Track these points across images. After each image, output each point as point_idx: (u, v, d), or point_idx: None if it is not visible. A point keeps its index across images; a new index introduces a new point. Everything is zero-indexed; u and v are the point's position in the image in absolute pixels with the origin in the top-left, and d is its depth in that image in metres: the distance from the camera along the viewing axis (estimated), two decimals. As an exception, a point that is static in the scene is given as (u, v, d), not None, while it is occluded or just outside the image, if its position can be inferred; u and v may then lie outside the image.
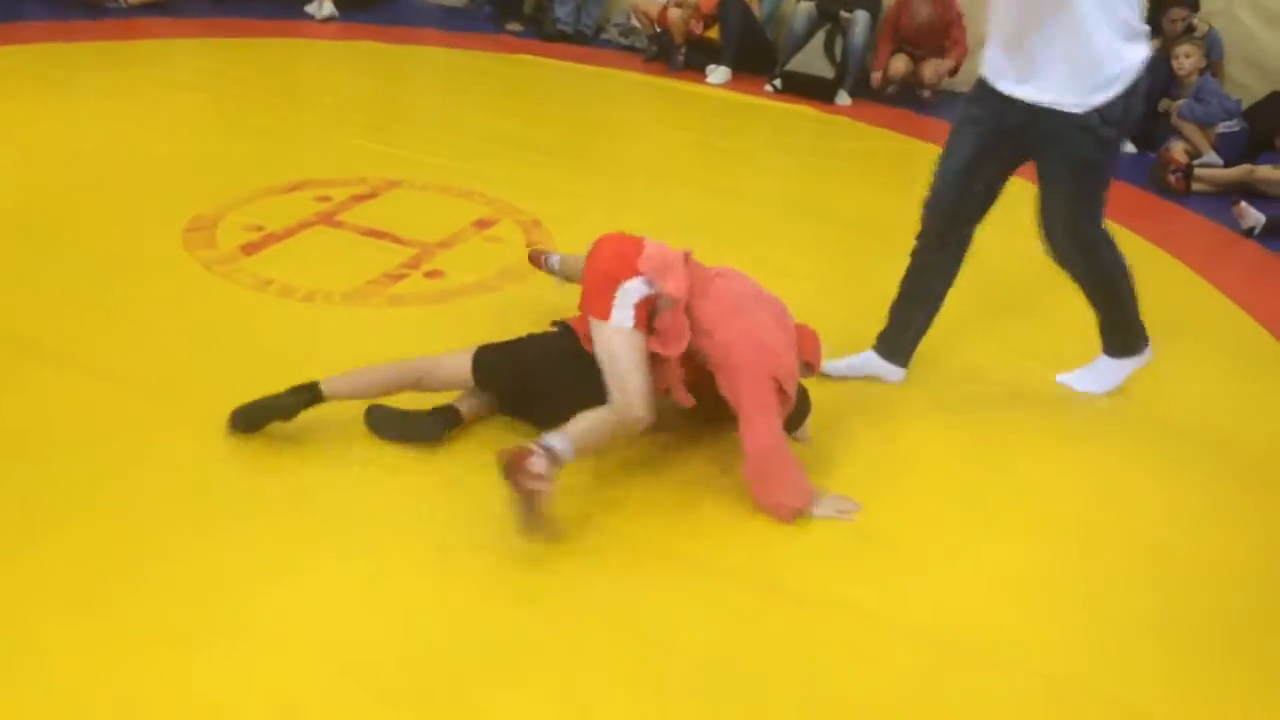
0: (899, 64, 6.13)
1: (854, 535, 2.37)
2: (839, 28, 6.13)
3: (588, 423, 2.30)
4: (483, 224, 3.83)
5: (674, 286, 2.40)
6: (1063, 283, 3.00)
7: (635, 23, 6.85)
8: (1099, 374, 3.08)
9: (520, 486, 2.15)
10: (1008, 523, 2.48)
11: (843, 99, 6.06)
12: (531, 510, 2.18)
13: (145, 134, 4.40)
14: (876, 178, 5.04)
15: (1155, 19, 5.75)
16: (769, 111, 5.85)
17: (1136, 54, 2.56)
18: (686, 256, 2.49)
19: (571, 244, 3.68)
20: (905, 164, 5.24)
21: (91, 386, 2.61)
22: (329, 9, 6.89)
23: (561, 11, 6.92)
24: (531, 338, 2.64)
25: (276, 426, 2.45)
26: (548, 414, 2.37)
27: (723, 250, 3.77)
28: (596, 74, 6.23)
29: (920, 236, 2.92)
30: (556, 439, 2.23)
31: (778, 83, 6.16)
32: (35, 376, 2.63)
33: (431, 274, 3.40)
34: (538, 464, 2.16)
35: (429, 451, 2.48)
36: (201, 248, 3.40)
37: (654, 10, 6.53)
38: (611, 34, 7.04)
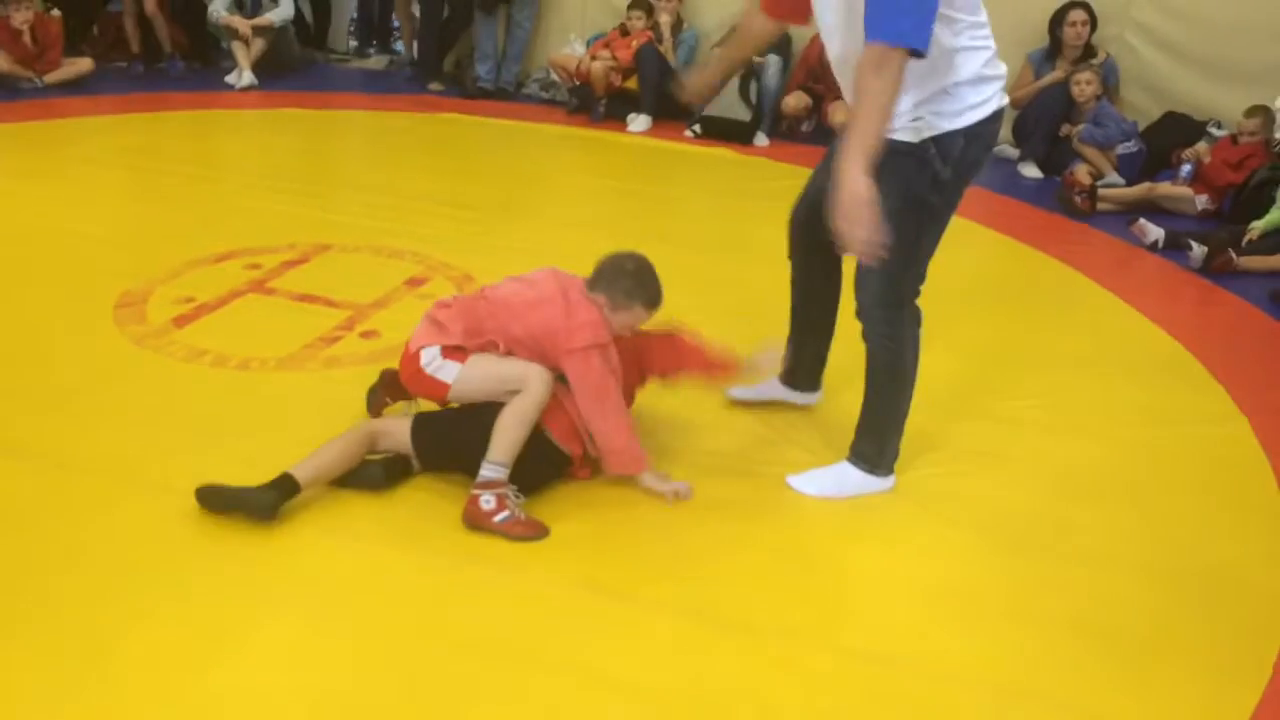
0: (796, 100, 6.33)
1: (790, 559, 2.44)
2: (753, 72, 6.32)
3: (504, 432, 2.49)
4: (415, 282, 3.87)
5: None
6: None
7: (555, 77, 6.98)
8: (831, 475, 2.75)
9: (492, 528, 2.42)
10: (940, 538, 2.57)
11: (760, 140, 6.23)
12: (518, 535, 2.42)
13: (68, 212, 4.38)
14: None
15: (1055, 36, 6.05)
16: (690, 156, 5.99)
17: (979, 96, 2.43)
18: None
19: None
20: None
21: (23, 468, 2.59)
22: (249, 78, 6.91)
23: (481, 69, 7.03)
24: (462, 410, 2.66)
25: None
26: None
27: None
28: (520, 128, 6.33)
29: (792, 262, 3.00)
30: (488, 469, 2.46)
31: (697, 128, 6.31)
32: (-32, 462, 2.61)
33: (366, 334, 3.44)
34: (488, 502, 2.43)
35: (380, 512, 2.50)
36: (132, 323, 3.39)
37: (572, 64, 6.67)
38: (532, 89, 7.16)
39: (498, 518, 2.42)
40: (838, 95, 6.22)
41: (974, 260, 4.55)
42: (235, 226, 4.30)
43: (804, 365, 3.05)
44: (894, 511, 2.66)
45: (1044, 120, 5.95)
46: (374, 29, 8.19)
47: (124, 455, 2.67)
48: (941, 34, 2.29)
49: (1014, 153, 6.18)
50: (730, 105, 6.29)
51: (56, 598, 2.17)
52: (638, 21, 6.61)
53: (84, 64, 6.70)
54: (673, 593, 2.32)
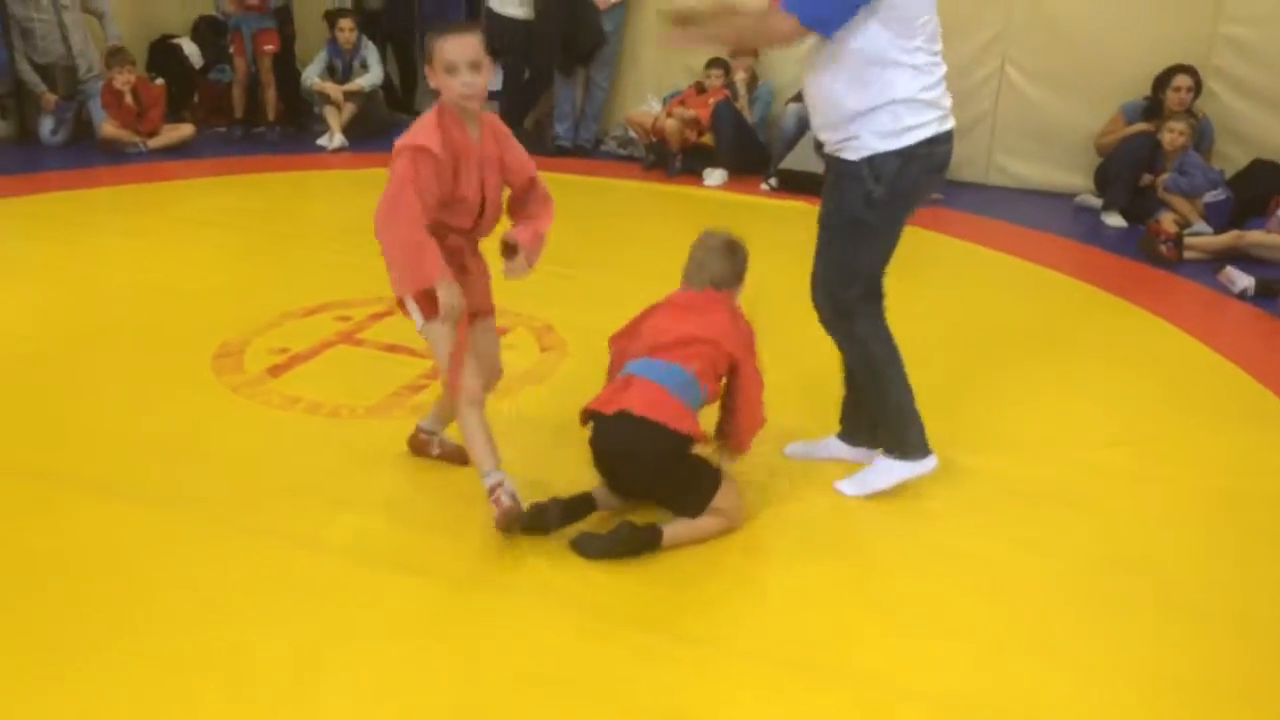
0: None
1: (865, 605, 2.43)
2: (828, 126, 6.37)
3: (471, 444, 2.65)
4: (498, 333, 3.95)
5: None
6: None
7: (632, 134, 7.13)
8: (868, 474, 2.90)
9: (513, 523, 2.55)
10: (1026, 586, 2.53)
11: (837, 193, 6.27)
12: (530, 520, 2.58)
13: (169, 269, 4.59)
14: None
15: (1157, 97, 5.98)
16: (766, 209, 6.05)
17: (917, 119, 2.59)
18: None
19: (583, 345, 3.83)
20: (900, 251, 5.39)
21: (128, 510, 2.71)
22: (339, 140, 7.20)
23: (560, 128, 7.21)
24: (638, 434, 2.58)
25: (334, 530, 2.58)
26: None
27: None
28: (598, 184, 6.47)
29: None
30: (487, 479, 2.60)
31: (773, 181, 6.38)
32: (73, 506, 2.73)
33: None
34: (504, 499, 2.55)
35: (454, 550, 2.56)
36: (230, 373, 3.54)
37: (648, 121, 6.81)
38: (610, 145, 7.32)
39: (510, 520, 2.53)
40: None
41: (1057, 309, 4.51)
42: (326, 280, 4.47)
43: (860, 421, 3.03)
44: (978, 557, 2.63)
45: (1128, 169, 5.89)
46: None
47: (221, 499, 2.78)
48: (882, 40, 2.53)
49: (1096, 201, 6.11)
50: (807, 159, 6.34)
51: (158, 631, 2.26)
52: (716, 80, 6.73)
53: (186, 129, 7.05)
54: (738, 632, 2.32)
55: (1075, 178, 6.42)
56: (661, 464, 2.60)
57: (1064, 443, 3.26)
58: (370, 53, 7.51)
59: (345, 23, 7.38)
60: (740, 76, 6.70)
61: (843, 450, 3.08)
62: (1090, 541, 2.74)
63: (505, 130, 2.80)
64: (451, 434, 2.98)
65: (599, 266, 4.86)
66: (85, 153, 6.66)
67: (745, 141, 6.62)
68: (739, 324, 2.82)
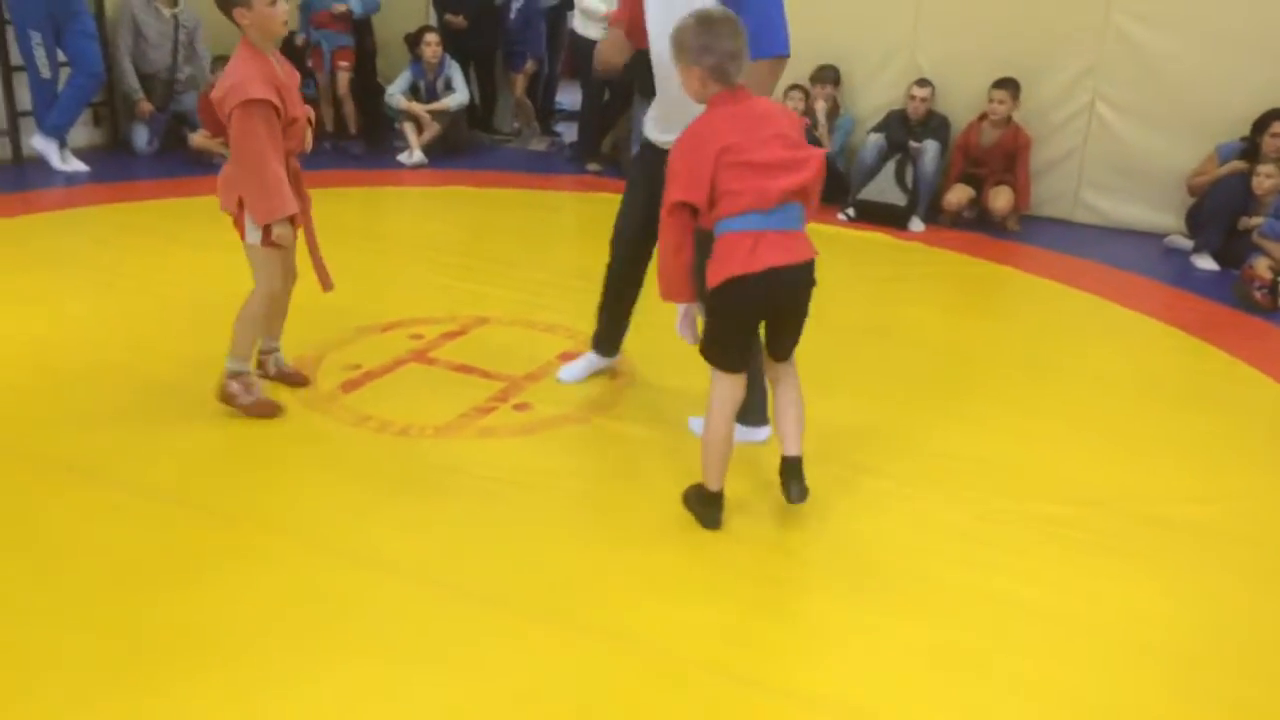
0: (960, 193, 6.24)
1: (929, 656, 2.35)
2: (909, 157, 6.29)
3: (239, 328, 3.27)
4: (567, 357, 3.95)
5: None
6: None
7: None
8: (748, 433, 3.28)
9: (237, 407, 3.27)
10: (1098, 653, 2.43)
11: (916, 225, 6.17)
12: (255, 412, 3.27)
13: (246, 284, 4.66)
14: (951, 301, 5.09)
15: (1254, 140, 5.78)
16: (843, 239, 5.97)
17: None
18: None
19: (652, 371, 3.80)
20: (980, 287, 5.30)
21: (203, 521, 2.74)
22: (419, 157, 7.29)
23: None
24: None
25: (400, 551, 2.55)
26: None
27: (801, 371, 3.85)
28: (673, 209, 6.44)
29: (614, 264, 3.56)
30: (229, 362, 3.26)
31: (851, 211, 6.30)
32: (147, 514, 2.77)
33: (520, 406, 3.52)
34: (233, 387, 3.27)
35: (513, 578, 2.54)
36: (303, 388, 3.57)
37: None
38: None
39: (241, 400, 3.26)
40: (999, 180, 6.18)
41: (1143, 353, 4.37)
42: (401, 298, 4.51)
43: (618, 334, 3.71)
44: (1045, 610, 2.53)
45: (1221, 212, 5.71)
46: (537, 112, 8.53)
47: (290, 515, 2.79)
48: None
49: (1187, 243, 5.93)
50: (886, 189, 6.26)
51: (224, 649, 2.27)
52: (796, 104, 6.68)
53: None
54: (812, 680, 2.26)
55: (1165, 218, 6.24)
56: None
57: (1143, 495, 3.13)
58: (455, 72, 7.60)
59: (431, 37, 7.47)
60: (820, 105, 6.65)
61: (602, 362, 3.73)
62: (1164, 600, 2.62)
63: (279, 55, 3.26)
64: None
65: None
66: (175, 162, 6.83)
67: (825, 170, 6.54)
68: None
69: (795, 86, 6.71)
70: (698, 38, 2.58)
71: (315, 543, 2.66)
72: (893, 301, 4.91)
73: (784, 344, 2.85)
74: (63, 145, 6.58)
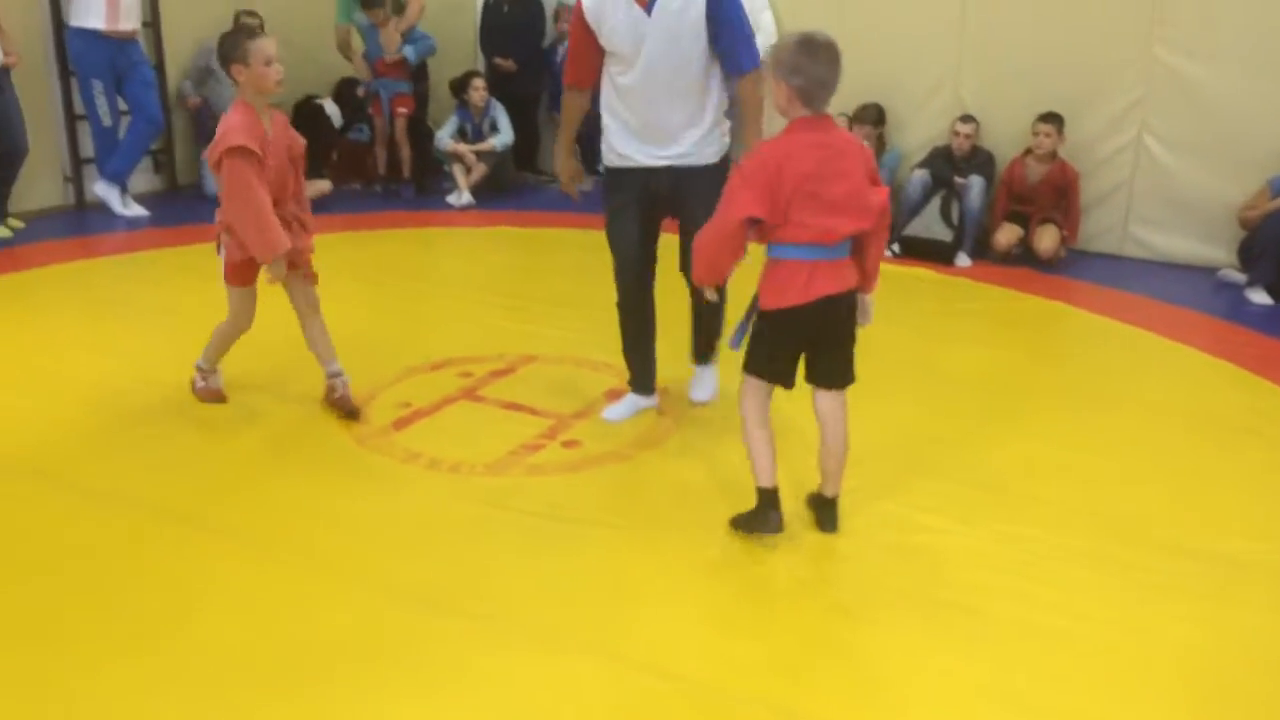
0: (1009, 234, 6.19)
1: (978, 696, 2.32)
2: (954, 192, 6.28)
3: (213, 341, 3.77)
4: (614, 394, 3.98)
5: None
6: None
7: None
8: (704, 383, 3.87)
9: (195, 390, 3.83)
10: (1137, 679, 2.39)
11: (962, 261, 6.15)
12: (203, 398, 3.79)
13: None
14: (998, 336, 5.06)
15: None
16: (888, 274, 5.86)
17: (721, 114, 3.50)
18: None
19: (700, 410, 3.81)
20: (1027, 322, 5.26)
21: (255, 556, 2.80)
22: (467, 198, 7.41)
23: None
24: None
25: (451, 587, 2.57)
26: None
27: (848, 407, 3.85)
28: (718, 247, 6.47)
29: (624, 297, 3.72)
30: (199, 360, 3.82)
31: (896, 247, 6.30)
32: (207, 549, 2.83)
33: (568, 444, 3.55)
34: (195, 377, 3.82)
35: (565, 620, 2.56)
36: (356, 424, 3.64)
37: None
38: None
39: (197, 386, 3.81)
40: (1045, 217, 6.14)
41: (1195, 388, 4.30)
42: (450, 336, 4.58)
43: (652, 373, 3.84)
44: (1099, 657, 2.49)
45: (1274, 245, 5.62)
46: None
47: (343, 552, 2.84)
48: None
49: (1240, 277, 5.85)
50: (930, 225, 6.25)
51: (284, 677, 2.31)
52: None
53: (323, 185, 7.35)
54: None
55: (1217, 251, 6.16)
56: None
57: (1195, 530, 3.09)
58: (500, 114, 7.73)
59: (478, 82, 7.62)
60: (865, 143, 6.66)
61: (645, 403, 3.82)
62: (1217, 637, 2.57)
63: (282, 116, 3.66)
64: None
65: (717, 330, 4.86)
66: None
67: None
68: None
69: (839, 115, 6.75)
70: (794, 56, 2.67)
71: (368, 578, 2.70)
72: (939, 337, 4.89)
73: (832, 369, 2.91)
74: (124, 191, 6.78)
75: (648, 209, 3.55)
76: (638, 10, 3.28)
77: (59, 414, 3.66)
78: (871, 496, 3.20)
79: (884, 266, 5.91)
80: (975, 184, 6.25)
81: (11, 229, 6.14)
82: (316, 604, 2.60)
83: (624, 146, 3.49)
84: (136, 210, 6.74)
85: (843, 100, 6.74)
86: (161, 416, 3.67)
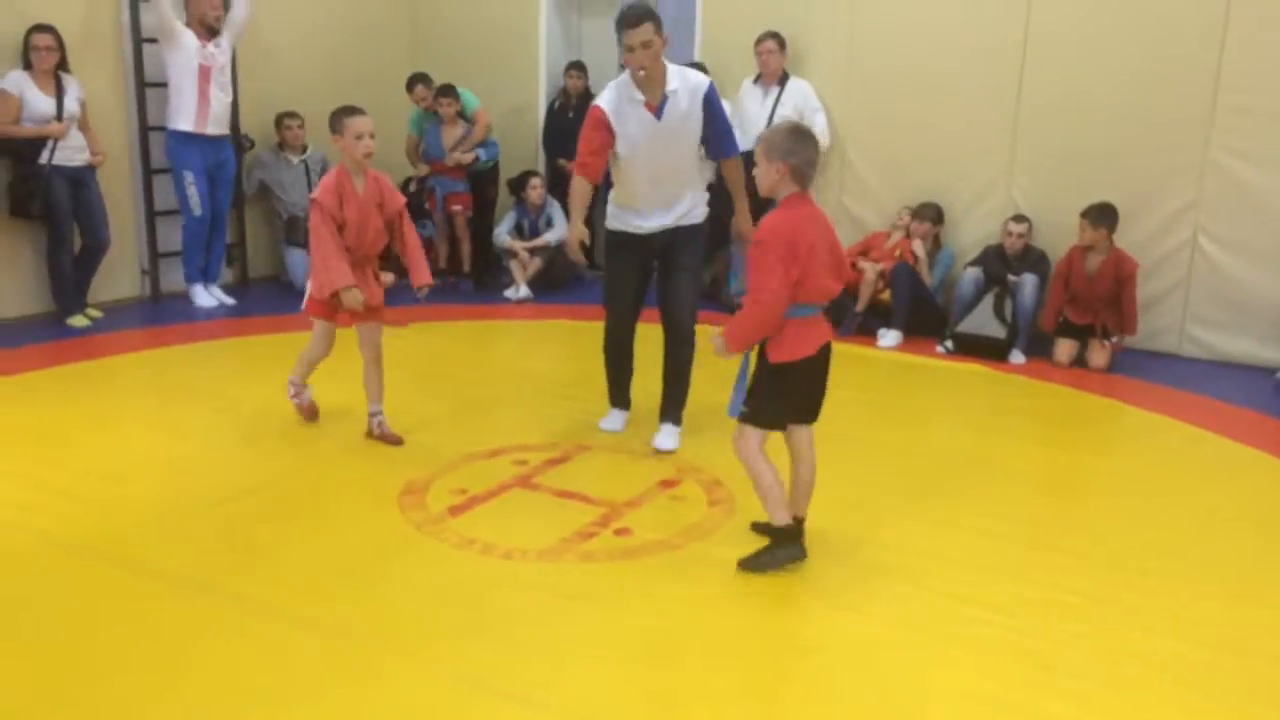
0: (1067, 349, 6.14)
1: None
2: (1007, 290, 6.31)
3: (298, 363, 4.53)
4: (667, 484, 4.02)
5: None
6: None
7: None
8: (670, 437, 4.46)
9: (292, 400, 4.59)
10: None
11: (1017, 358, 6.14)
12: (298, 406, 4.60)
13: (364, 412, 4.88)
14: (1053, 434, 5.02)
15: None
16: (942, 371, 5.97)
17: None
18: None
19: (752, 500, 3.83)
20: (1083, 421, 5.22)
21: (311, 641, 2.85)
22: (524, 292, 7.59)
23: (736, 284, 7.37)
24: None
25: (503, 672, 2.59)
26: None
27: (895, 501, 3.86)
28: (771, 342, 6.53)
29: (612, 336, 4.64)
30: (292, 375, 4.60)
31: (949, 344, 6.32)
32: (263, 632, 2.89)
33: (620, 532, 3.58)
34: (290, 390, 4.59)
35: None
36: (413, 509, 3.71)
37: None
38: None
39: (291, 396, 4.57)
40: (1106, 333, 6.08)
41: (1256, 489, 4.23)
42: (506, 425, 4.66)
43: (627, 387, 4.73)
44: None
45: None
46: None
47: (399, 634, 2.88)
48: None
49: (1297, 375, 5.77)
50: (984, 322, 6.27)
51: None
52: (906, 216, 6.79)
53: (386, 278, 7.56)
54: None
55: (1276, 352, 6.09)
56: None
57: (1261, 637, 3.01)
58: (555, 210, 7.95)
59: (535, 181, 7.87)
60: (918, 243, 6.73)
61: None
62: None
63: (382, 176, 4.34)
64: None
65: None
66: (291, 296, 7.22)
67: (921, 304, 6.61)
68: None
69: (907, 206, 6.85)
70: (787, 142, 3.15)
71: (421, 661, 2.74)
72: (993, 433, 4.88)
73: (817, 406, 3.37)
74: (205, 283, 7.06)
75: (643, 265, 4.47)
76: (648, 115, 4.15)
77: (126, 497, 3.78)
78: (926, 589, 3.19)
79: (938, 363, 6.08)
80: (1028, 282, 6.28)
81: (90, 318, 6.40)
82: (374, 685, 2.63)
83: (629, 219, 4.37)
84: (212, 301, 7.01)
85: (900, 198, 6.91)
86: (227, 500, 3.77)
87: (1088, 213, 6.10)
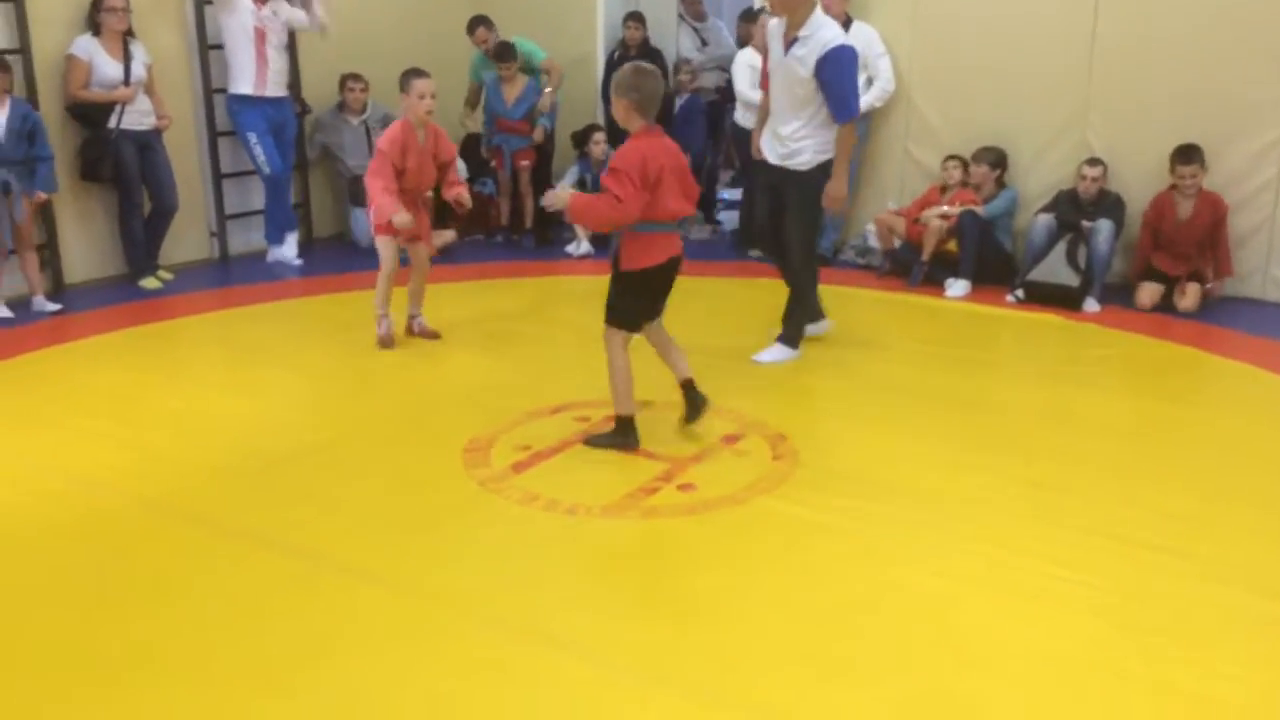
0: (1151, 293, 5.96)
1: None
2: (1081, 237, 6.11)
3: (380, 288, 5.13)
4: (730, 439, 3.99)
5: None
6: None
7: (872, 242, 7.08)
8: (770, 351, 4.98)
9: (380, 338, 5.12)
10: None
11: (1091, 306, 5.96)
12: (379, 337, 5.12)
13: (429, 368, 4.94)
14: (1131, 384, 4.88)
15: None
16: (1013, 321, 5.83)
17: (828, 137, 4.73)
18: None
19: (815, 454, 3.79)
20: (1162, 370, 5.06)
21: (376, 593, 2.89)
22: (586, 247, 7.55)
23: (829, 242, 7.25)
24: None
25: (567, 626, 2.61)
26: None
27: (972, 457, 3.77)
28: (836, 292, 6.40)
29: (765, 251, 5.51)
30: (379, 309, 5.15)
31: (1020, 293, 6.15)
32: (329, 587, 2.94)
33: (683, 487, 3.57)
34: (380, 328, 5.16)
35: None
36: (478, 466, 3.73)
37: (900, 224, 6.70)
38: (848, 255, 7.30)
39: (378, 328, 5.11)
40: (1191, 272, 5.88)
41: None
42: (569, 381, 4.65)
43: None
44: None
45: None
46: (699, 201, 8.70)
47: (463, 589, 2.91)
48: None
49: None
50: (1056, 270, 6.08)
51: (404, 713, 2.37)
52: (951, 174, 6.62)
53: (449, 235, 7.60)
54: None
55: (1368, 294, 5.84)
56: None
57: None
58: (619, 165, 7.88)
59: (599, 136, 7.78)
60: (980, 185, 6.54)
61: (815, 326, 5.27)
62: None
63: (440, 130, 5.14)
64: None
65: (837, 375, 4.83)
66: (356, 256, 7.28)
67: (990, 252, 6.44)
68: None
69: (953, 156, 6.67)
70: (630, 79, 3.63)
71: (485, 616, 2.76)
72: (1067, 383, 4.75)
73: (661, 308, 3.97)
74: (282, 243, 7.17)
75: (768, 191, 4.99)
76: (779, 49, 4.72)
77: (200, 456, 3.86)
78: (997, 545, 3.13)
79: (1007, 313, 5.93)
80: (1104, 227, 6.07)
81: (161, 280, 6.53)
82: (440, 640, 2.66)
83: (762, 143, 4.96)
84: (284, 257, 7.14)
85: (966, 144, 6.72)
86: (297, 457, 3.83)
87: (1180, 152, 5.88)
